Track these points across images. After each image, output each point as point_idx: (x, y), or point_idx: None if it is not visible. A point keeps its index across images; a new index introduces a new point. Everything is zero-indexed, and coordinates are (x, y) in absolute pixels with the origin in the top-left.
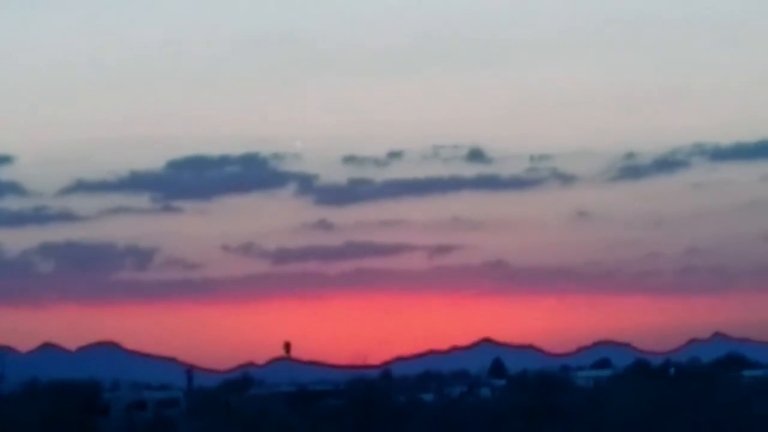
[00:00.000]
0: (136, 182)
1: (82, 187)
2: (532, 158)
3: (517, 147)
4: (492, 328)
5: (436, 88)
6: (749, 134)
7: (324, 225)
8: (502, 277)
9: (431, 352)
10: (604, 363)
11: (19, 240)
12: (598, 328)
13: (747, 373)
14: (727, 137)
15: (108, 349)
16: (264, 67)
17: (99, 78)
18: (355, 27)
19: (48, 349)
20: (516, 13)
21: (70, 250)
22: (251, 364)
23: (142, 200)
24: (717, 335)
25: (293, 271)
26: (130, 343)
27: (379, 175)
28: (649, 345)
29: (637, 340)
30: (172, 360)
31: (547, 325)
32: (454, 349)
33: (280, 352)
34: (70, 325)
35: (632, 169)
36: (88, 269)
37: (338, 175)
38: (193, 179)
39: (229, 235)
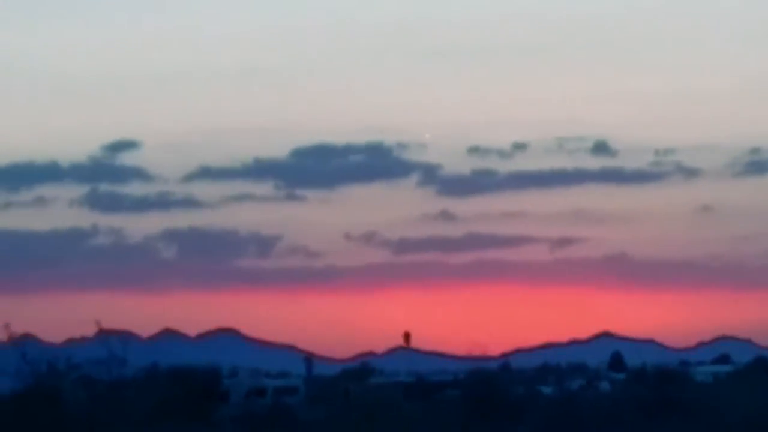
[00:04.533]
0: (260, 170)
1: (206, 173)
2: (656, 152)
3: (642, 140)
4: (612, 322)
5: (562, 79)
6: None
7: (446, 215)
8: (624, 270)
9: (550, 345)
10: (724, 358)
11: (143, 226)
12: (719, 323)
13: None
14: None
15: (228, 335)
16: (391, 56)
17: (225, 65)
18: (481, 16)
19: (168, 334)
20: (642, 6)
21: (192, 237)
22: (370, 353)
23: (265, 188)
24: None
25: (414, 261)
26: (250, 330)
27: (503, 167)
28: None
29: (758, 336)
30: (291, 348)
31: (667, 319)
32: (574, 342)
33: (400, 341)
34: (190, 311)
35: (757, 164)
36: (210, 256)
37: (462, 165)
38: (317, 167)
39: (351, 224)
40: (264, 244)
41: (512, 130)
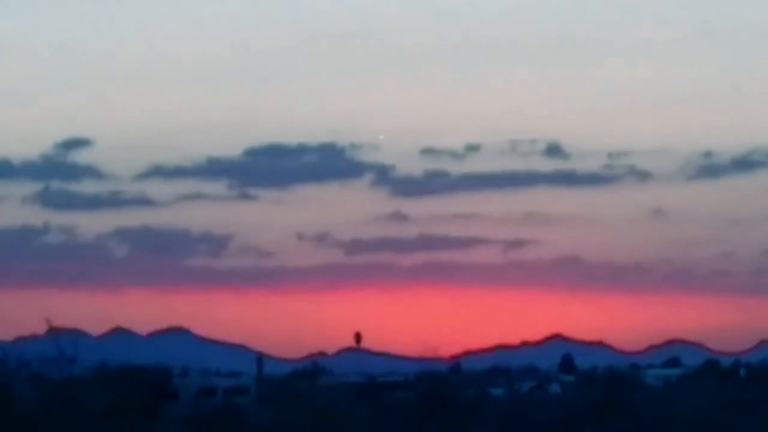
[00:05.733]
0: (213, 169)
1: (159, 172)
2: (609, 155)
3: (595, 143)
4: (563, 324)
5: (516, 82)
6: None
7: (399, 216)
8: (576, 273)
9: (501, 347)
10: (674, 362)
11: (95, 224)
12: (670, 326)
13: None
14: None
15: (179, 334)
16: (344, 57)
17: (179, 64)
18: (435, 20)
19: (119, 333)
20: (596, 9)
21: (145, 235)
22: (321, 354)
23: (218, 187)
24: None
25: (366, 262)
26: (201, 329)
27: (456, 168)
28: (721, 345)
29: (708, 340)
30: (242, 347)
31: (618, 322)
32: (525, 344)
33: (351, 342)
34: (141, 309)
35: (710, 168)
36: (163, 255)
37: (415, 166)
38: (270, 167)
39: (303, 224)
40: (216, 243)
41: (465, 131)
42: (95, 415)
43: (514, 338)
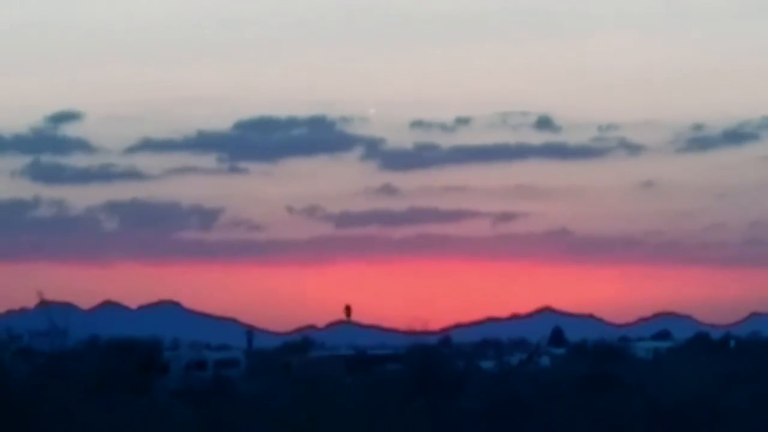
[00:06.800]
0: (202, 142)
1: (148, 145)
2: (600, 128)
3: (585, 116)
4: (553, 297)
5: (506, 54)
6: None
7: (389, 189)
8: (566, 245)
9: (491, 319)
10: (664, 334)
11: (85, 197)
12: (660, 299)
13: None
14: None
15: (169, 308)
16: (335, 30)
17: (169, 37)
18: None
19: (109, 306)
20: None
21: (135, 209)
22: (311, 327)
23: (208, 160)
24: None
25: (356, 235)
26: (191, 302)
27: (446, 141)
28: (711, 317)
29: (698, 313)
30: (232, 320)
31: (608, 295)
32: (515, 317)
33: (341, 315)
34: (132, 283)
35: (700, 141)
36: (153, 228)
37: (405, 139)
38: (260, 140)
39: (293, 197)
40: (206, 216)
41: (456, 104)
42: (86, 389)
43: (504, 311)
